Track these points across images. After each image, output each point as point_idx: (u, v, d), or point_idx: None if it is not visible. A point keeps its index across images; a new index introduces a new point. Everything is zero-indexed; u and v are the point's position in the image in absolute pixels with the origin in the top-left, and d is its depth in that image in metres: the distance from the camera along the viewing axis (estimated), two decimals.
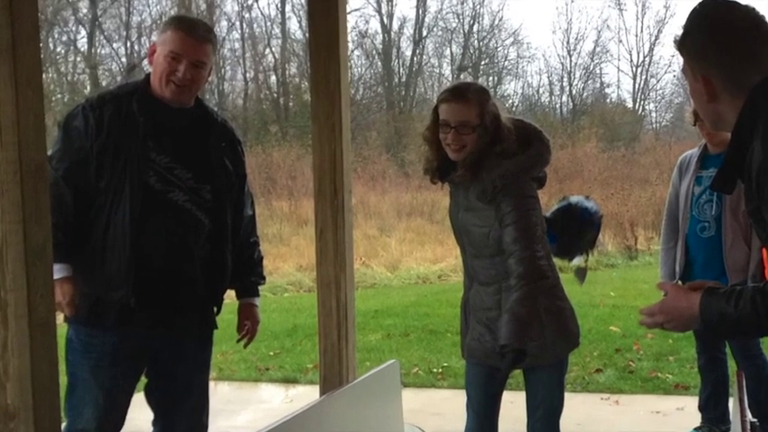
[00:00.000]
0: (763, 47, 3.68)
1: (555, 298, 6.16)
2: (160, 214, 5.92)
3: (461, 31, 51.22)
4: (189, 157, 6.08)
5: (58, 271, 5.59)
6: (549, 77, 53.32)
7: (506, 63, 52.73)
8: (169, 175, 5.97)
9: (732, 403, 7.91)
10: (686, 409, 9.65)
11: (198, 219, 6.05)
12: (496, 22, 52.10)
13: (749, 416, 4.94)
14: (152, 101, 6.02)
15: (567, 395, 6.38)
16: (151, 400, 6.38)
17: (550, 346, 6.12)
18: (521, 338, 5.70)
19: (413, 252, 25.04)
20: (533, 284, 5.81)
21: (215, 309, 6.40)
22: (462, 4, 50.99)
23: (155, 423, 6.43)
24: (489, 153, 6.05)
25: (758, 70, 3.67)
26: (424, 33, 50.80)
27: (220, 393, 10.55)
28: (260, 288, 6.75)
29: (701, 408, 8.77)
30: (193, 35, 6.01)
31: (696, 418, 8.87)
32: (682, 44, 4.07)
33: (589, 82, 54.02)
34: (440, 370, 12.20)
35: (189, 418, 6.40)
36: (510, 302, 5.82)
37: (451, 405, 9.76)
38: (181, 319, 6.12)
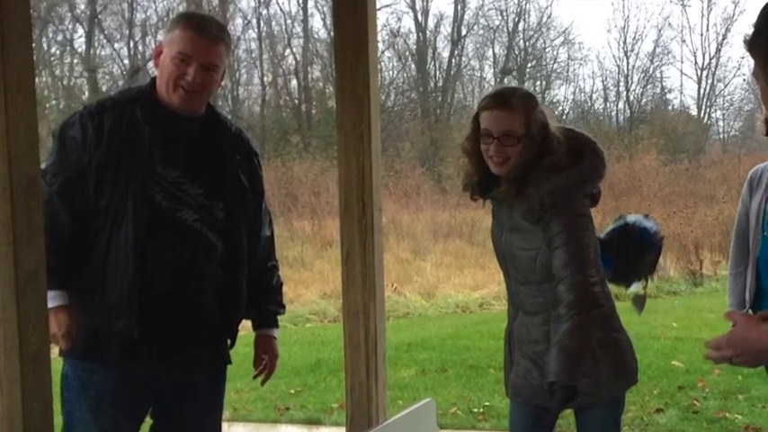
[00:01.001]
0: None
1: (610, 329, 6.12)
2: (167, 235, 5.82)
3: (505, 29, 51.47)
4: (199, 171, 5.97)
5: (53, 299, 5.52)
6: (603, 82, 53.39)
7: (556, 65, 52.95)
8: (177, 192, 5.87)
9: None
10: None
11: (209, 241, 5.96)
12: (544, 19, 52.30)
13: None
14: (158, 108, 5.92)
15: None
16: None
17: (605, 383, 6.08)
18: (572, 375, 5.66)
19: (451, 278, 25.07)
20: (586, 314, 5.78)
21: (228, 341, 6.31)
22: None
23: None
24: (536, 166, 5.99)
25: None
26: (464, 32, 51.00)
27: None
28: (279, 318, 6.65)
29: None
30: (204, 34, 5.90)
31: None
32: (752, 44, 4.04)
33: (648, 87, 54.14)
34: (481, 410, 12.20)
35: None
36: (559, 334, 5.77)
37: None
38: (190, 352, 6.01)
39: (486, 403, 12.39)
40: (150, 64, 40.50)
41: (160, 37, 43.80)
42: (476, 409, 12.19)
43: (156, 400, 6.14)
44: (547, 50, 52.44)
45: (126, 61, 45.88)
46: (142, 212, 5.71)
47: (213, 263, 6.00)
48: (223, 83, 6.66)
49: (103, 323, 5.77)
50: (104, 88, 44.54)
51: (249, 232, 6.23)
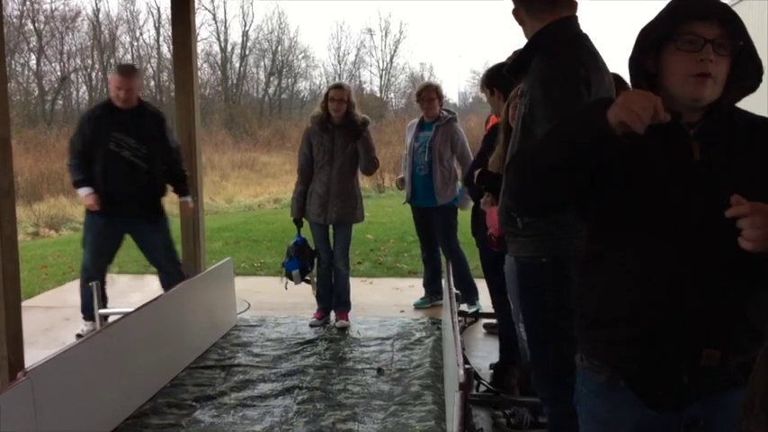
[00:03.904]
0: None
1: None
2: (117, 161, 7.46)
3: (270, 50, 51.15)
4: (133, 132, 7.53)
5: (87, 189, 7.49)
6: (327, 79, 52.92)
7: (299, 70, 52.75)
8: (121, 142, 7.44)
9: None
10: None
11: (136, 163, 7.52)
12: (292, 44, 52.18)
13: None
14: (113, 106, 7.58)
15: None
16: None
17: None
18: None
19: (242, 190, 24.88)
20: None
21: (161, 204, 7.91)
22: (270, 33, 51.18)
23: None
24: None
25: None
26: (247, 52, 50.69)
27: (120, 282, 10.31)
28: (189, 192, 8.09)
29: None
30: (126, 74, 7.60)
31: None
32: None
33: (352, 81, 54.07)
34: (258, 264, 12.19)
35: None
36: None
37: (268, 286, 9.80)
38: (137, 209, 7.62)
39: (262, 261, 12.40)
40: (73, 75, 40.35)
41: (78, 60, 43.53)
42: (256, 264, 12.19)
43: (128, 233, 7.81)
44: (294, 61, 52.20)
45: (58, 73, 44.62)
46: (103, 153, 7.43)
47: (139, 173, 7.54)
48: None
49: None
50: (46, 88, 43.54)
51: (162, 155, 7.73)
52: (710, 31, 2.37)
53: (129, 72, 7.68)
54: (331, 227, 8.23)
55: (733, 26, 2.40)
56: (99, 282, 7.47)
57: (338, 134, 7.99)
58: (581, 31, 3.75)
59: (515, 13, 3.80)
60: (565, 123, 2.48)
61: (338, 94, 7.99)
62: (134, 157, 7.48)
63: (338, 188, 8.00)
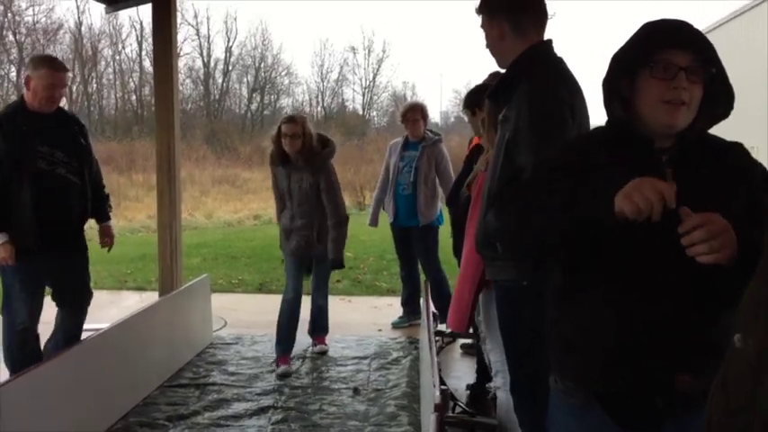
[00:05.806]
0: None
1: None
2: (50, 185, 5.93)
3: (253, 66, 51.18)
4: (60, 143, 6.01)
5: (2, 237, 5.73)
6: (309, 96, 53.32)
7: (282, 87, 52.78)
8: (51, 158, 5.93)
9: None
10: None
11: (72, 180, 6.04)
12: (275, 61, 52.30)
13: None
14: (30, 112, 5.93)
15: None
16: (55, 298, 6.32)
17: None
18: None
19: (221, 206, 24.87)
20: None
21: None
22: (254, 49, 51.24)
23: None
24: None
25: None
26: (230, 68, 50.69)
27: (94, 298, 10.20)
28: (111, 215, 6.59)
29: None
30: (57, 69, 5.99)
31: None
32: (479, 6, 3.76)
33: (334, 98, 54.21)
34: (236, 281, 12.13)
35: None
36: None
37: (246, 304, 9.72)
38: (67, 243, 6.09)
39: (240, 277, 12.34)
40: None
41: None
42: (233, 281, 12.11)
43: (51, 272, 6.12)
44: (276, 78, 52.24)
45: None
46: (32, 174, 5.79)
47: (74, 192, 6.06)
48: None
49: (19, 241, 5.79)
50: None
51: (89, 169, 6.21)
52: (684, 59, 2.39)
53: (63, 67, 6.07)
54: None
55: (706, 53, 2.42)
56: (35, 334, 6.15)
57: (306, 171, 7.17)
58: (557, 55, 3.71)
59: (496, 27, 3.71)
60: (581, 202, 2.34)
61: (291, 128, 7.02)
62: (69, 174, 6.04)
63: (320, 222, 7.30)
